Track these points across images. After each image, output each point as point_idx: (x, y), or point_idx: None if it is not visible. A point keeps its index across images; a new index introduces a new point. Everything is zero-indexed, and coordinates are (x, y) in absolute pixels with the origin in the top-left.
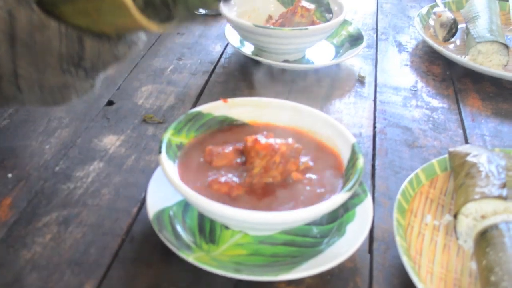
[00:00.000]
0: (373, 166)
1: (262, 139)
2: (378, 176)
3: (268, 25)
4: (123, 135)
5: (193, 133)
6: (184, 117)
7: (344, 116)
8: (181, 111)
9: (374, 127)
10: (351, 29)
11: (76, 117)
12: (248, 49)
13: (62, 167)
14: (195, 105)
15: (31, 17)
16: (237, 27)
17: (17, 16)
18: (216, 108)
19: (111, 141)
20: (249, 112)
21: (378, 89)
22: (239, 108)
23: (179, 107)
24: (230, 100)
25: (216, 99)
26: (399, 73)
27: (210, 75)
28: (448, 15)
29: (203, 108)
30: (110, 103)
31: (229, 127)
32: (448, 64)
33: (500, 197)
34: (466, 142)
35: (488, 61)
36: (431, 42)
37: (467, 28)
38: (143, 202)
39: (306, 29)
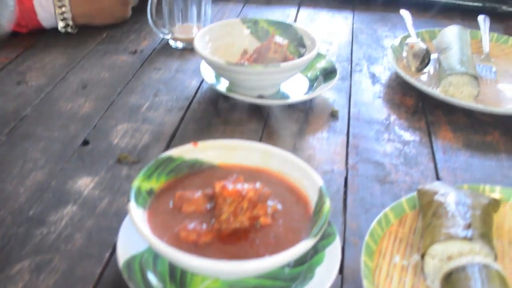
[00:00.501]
0: (345, 203)
1: (230, 185)
2: (349, 214)
3: (242, 60)
4: (97, 177)
5: (163, 178)
6: (154, 163)
7: (317, 153)
8: (156, 150)
9: (346, 163)
10: (324, 62)
11: (51, 158)
12: (223, 83)
13: (36, 211)
14: (169, 143)
15: None
16: (211, 64)
17: None
18: (187, 152)
19: (85, 183)
20: (219, 155)
21: (351, 123)
22: (209, 151)
23: (154, 146)
24: (200, 143)
25: (191, 137)
26: (372, 106)
27: (185, 112)
28: (420, 45)
29: (174, 152)
30: (85, 142)
31: (199, 170)
32: (421, 95)
33: (465, 238)
34: (437, 176)
35: (459, 92)
36: (403, 74)
37: (438, 59)
38: (115, 246)
39: (278, 66)
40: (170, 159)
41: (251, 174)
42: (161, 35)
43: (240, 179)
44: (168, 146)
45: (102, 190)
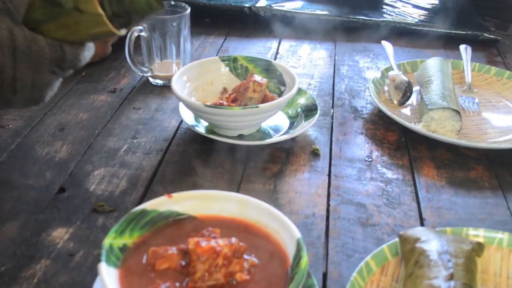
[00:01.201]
0: (326, 250)
1: (203, 242)
2: (331, 261)
3: (221, 99)
4: (72, 227)
5: (137, 233)
6: (126, 218)
7: (297, 195)
8: (133, 196)
9: (328, 206)
10: (305, 99)
11: (26, 208)
12: (203, 122)
13: (8, 267)
14: (147, 189)
15: (24, 33)
16: (189, 106)
17: (15, 33)
18: (161, 204)
19: (59, 235)
20: (195, 206)
21: (332, 162)
22: (184, 202)
23: (131, 192)
24: (174, 194)
25: (169, 181)
26: (355, 142)
27: (164, 155)
28: (402, 78)
29: (148, 205)
30: (61, 190)
31: (175, 222)
32: (403, 129)
33: None
34: (420, 217)
35: (441, 127)
36: (385, 109)
37: (420, 92)
38: None
39: (257, 107)
40: (144, 213)
41: (227, 226)
42: (140, 73)
43: (215, 231)
44: (145, 192)
45: (77, 243)
